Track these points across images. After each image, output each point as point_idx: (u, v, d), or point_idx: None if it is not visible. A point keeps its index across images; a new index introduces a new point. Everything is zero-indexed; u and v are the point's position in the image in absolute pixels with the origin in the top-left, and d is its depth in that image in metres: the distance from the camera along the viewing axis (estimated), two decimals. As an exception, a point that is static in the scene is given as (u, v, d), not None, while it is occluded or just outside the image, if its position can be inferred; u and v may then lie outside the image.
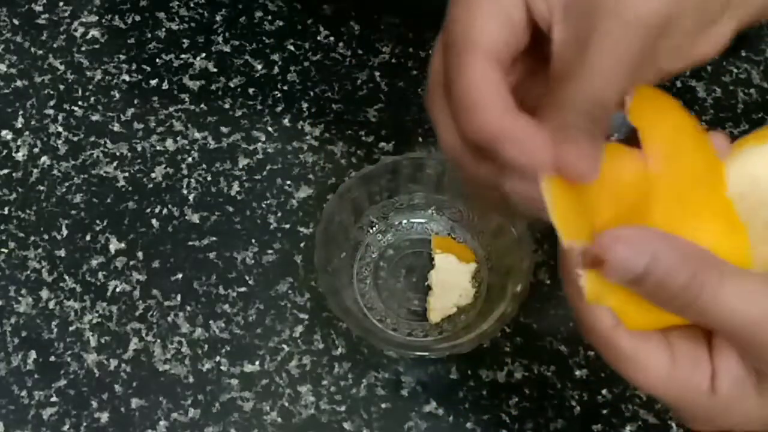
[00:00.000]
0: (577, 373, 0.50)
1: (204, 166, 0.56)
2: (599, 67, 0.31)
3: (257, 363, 0.50)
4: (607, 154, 0.32)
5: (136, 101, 0.58)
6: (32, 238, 0.54)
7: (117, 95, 0.58)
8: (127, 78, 0.59)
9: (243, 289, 0.52)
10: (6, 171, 0.56)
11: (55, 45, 0.60)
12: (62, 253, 0.53)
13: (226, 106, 0.58)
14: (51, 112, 0.58)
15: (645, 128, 0.34)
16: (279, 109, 0.58)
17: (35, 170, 0.56)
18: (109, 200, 0.55)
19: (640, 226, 0.32)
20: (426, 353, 0.49)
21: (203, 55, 0.59)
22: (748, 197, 0.34)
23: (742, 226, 0.34)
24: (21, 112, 0.58)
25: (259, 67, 0.59)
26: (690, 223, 0.33)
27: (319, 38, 0.60)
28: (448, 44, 0.34)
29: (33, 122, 0.57)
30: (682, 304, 0.31)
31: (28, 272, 0.53)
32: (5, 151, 0.57)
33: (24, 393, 0.50)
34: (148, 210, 0.55)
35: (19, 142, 0.57)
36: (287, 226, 0.54)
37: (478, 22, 0.33)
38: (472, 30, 0.33)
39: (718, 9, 0.34)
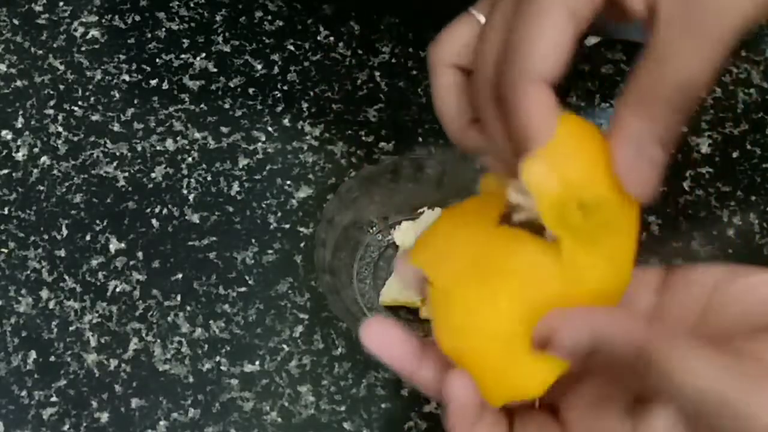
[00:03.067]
0: (577, 373, 0.50)
1: (204, 166, 0.56)
2: (705, 46, 0.32)
3: (257, 363, 0.50)
4: None
5: (136, 101, 0.58)
6: (32, 238, 0.54)
7: (117, 95, 0.58)
8: (127, 78, 0.59)
9: (243, 289, 0.52)
10: (6, 171, 0.56)
11: (55, 45, 0.60)
12: (62, 253, 0.53)
13: (226, 106, 0.58)
14: (51, 112, 0.58)
15: None
16: (279, 109, 0.58)
17: (35, 170, 0.56)
18: (109, 200, 0.55)
19: (581, 308, 0.32)
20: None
21: (203, 55, 0.60)
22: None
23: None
24: (21, 112, 0.58)
25: (259, 67, 0.59)
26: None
27: (319, 38, 0.60)
28: (508, 59, 0.34)
29: (33, 122, 0.57)
30: (636, 372, 0.30)
31: (28, 272, 0.53)
32: (5, 151, 0.57)
33: (24, 393, 0.50)
34: (148, 210, 0.55)
35: (19, 142, 0.57)
36: (287, 226, 0.54)
37: (543, 43, 0.33)
38: (533, 54, 0.33)
39: None
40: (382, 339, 0.34)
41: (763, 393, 0.28)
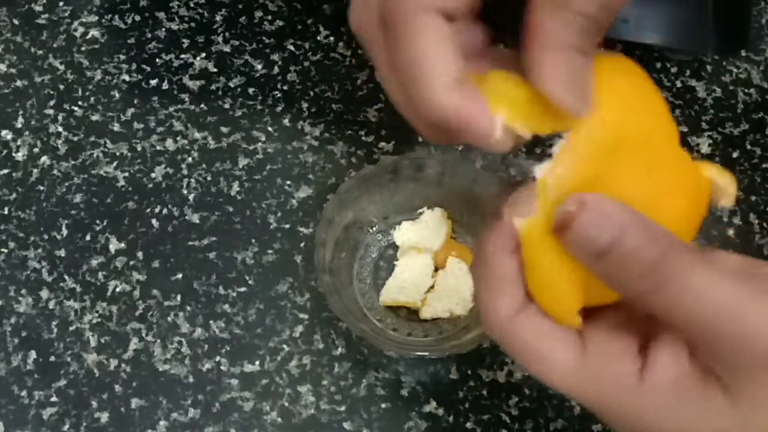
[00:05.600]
0: (577, 373, 0.50)
1: (204, 166, 0.56)
2: None
3: (257, 363, 0.50)
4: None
5: (136, 101, 0.58)
6: (32, 238, 0.54)
7: (117, 95, 0.58)
8: (127, 78, 0.59)
9: (243, 289, 0.52)
10: (6, 171, 0.56)
11: (55, 45, 0.60)
12: (62, 253, 0.53)
13: (226, 106, 0.58)
14: (51, 112, 0.58)
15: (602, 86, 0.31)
16: (279, 109, 0.58)
17: (35, 170, 0.56)
18: (109, 200, 0.55)
19: (605, 197, 0.29)
20: (426, 353, 0.49)
21: (203, 55, 0.60)
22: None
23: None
24: (21, 112, 0.58)
25: (259, 67, 0.59)
26: (657, 190, 0.31)
27: (319, 38, 0.60)
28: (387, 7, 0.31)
29: (33, 122, 0.57)
30: (645, 288, 0.28)
31: (28, 272, 0.53)
32: (5, 151, 0.57)
33: (24, 393, 0.50)
34: (148, 210, 0.55)
35: (19, 142, 0.57)
36: (287, 226, 0.54)
37: None
38: None
39: None
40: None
41: None
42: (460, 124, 0.30)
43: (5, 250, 0.54)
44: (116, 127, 0.57)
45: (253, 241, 0.54)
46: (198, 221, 0.54)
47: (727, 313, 0.28)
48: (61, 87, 0.59)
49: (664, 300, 0.28)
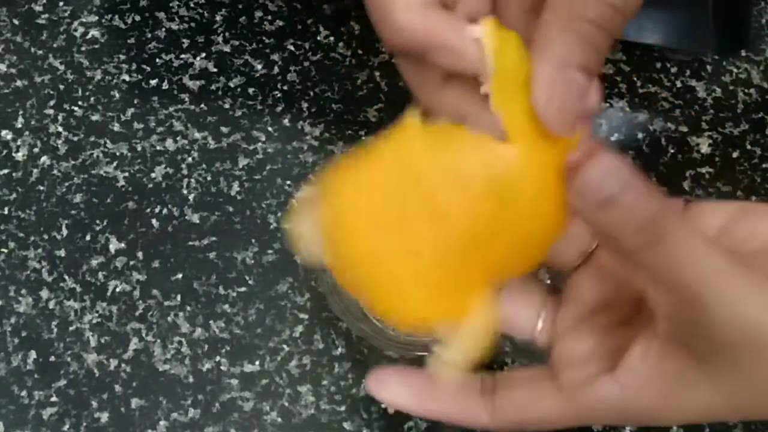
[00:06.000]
0: (577, 373, 0.50)
1: (204, 166, 0.56)
2: None
3: (257, 363, 0.50)
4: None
5: (136, 101, 0.58)
6: (32, 238, 0.54)
7: (117, 95, 0.58)
8: (127, 78, 0.59)
9: (243, 289, 0.52)
10: (6, 171, 0.56)
11: (55, 45, 0.60)
12: (62, 253, 0.53)
13: (226, 106, 0.58)
14: (51, 112, 0.58)
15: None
16: (279, 109, 0.58)
17: (35, 170, 0.56)
18: (109, 200, 0.55)
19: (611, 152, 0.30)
20: (426, 353, 0.49)
21: (203, 55, 0.59)
22: None
23: None
24: (21, 112, 0.58)
25: (259, 67, 0.59)
26: None
27: (319, 38, 0.60)
28: None
29: (33, 122, 0.57)
30: (642, 242, 0.28)
31: (28, 272, 0.53)
32: (5, 151, 0.57)
33: (24, 393, 0.50)
34: (148, 210, 0.55)
35: (19, 142, 0.57)
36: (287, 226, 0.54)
37: None
38: None
39: None
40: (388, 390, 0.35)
41: (760, 295, 0.28)
42: (426, 44, 0.30)
43: (5, 250, 0.54)
44: (116, 127, 0.57)
45: (253, 241, 0.54)
46: (198, 221, 0.54)
47: (721, 276, 0.29)
48: (61, 87, 0.59)
49: (659, 256, 0.29)
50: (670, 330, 0.30)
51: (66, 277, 0.53)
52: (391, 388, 0.36)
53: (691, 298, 0.29)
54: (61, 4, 0.61)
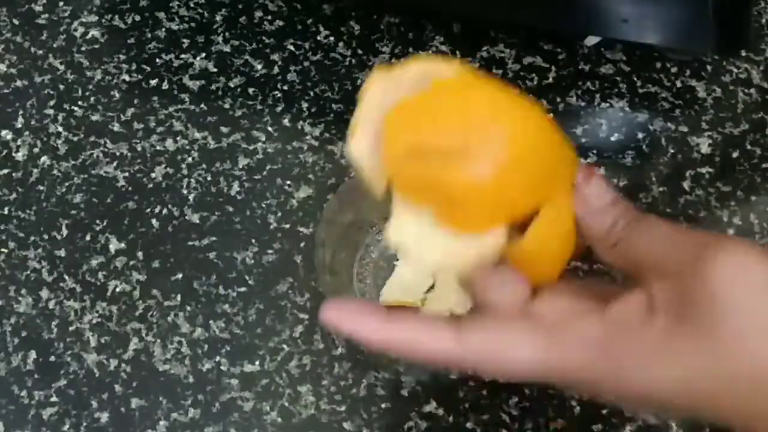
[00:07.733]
0: (577, 373, 0.50)
1: (204, 166, 0.56)
2: None
3: (257, 363, 0.50)
4: None
5: (136, 101, 0.58)
6: (32, 238, 0.54)
7: (117, 95, 0.58)
8: (127, 78, 0.59)
9: (243, 289, 0.52)
10: (6, 171, 0.56)
11: (55, 45, 0.60)
12: (62, 253, 0.53)
13: (226, 106, 0.58)
14: (51, 112, 0.58)
15: None
16: (279, 109, 0.58)
17: (35, 170, 0.56)
18: (109, 200, 0.55)
19: None
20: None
21: (203, 55, 0.60)
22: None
23: None
24: (21, 112, 0.58)
25: (259, 67, 0.59)
26: None
27: (319, 38, 0.60)
28: None
29: (33, 122, 0.57)
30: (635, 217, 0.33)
31: (28, 272, 0.53)
32: (5, 151, 0.57)
33: (24, 393, 0.50)
34: (148, 210, 0.55)
35: (19, 142, 0.57)
36: (287, 226, 0.54)
37: None
38: None
39: None
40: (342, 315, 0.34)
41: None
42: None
43: (5, 250, 0.54)
44: (116, 127, 0.57)
45: (253, 241, 0.54)
46: (198, 221, 0.54)
47: (715, 245, 0.31)
48: (61, 87, 0.59)
49: (646, 228, 0.33)
50: (659, 290, 0.31)
51: (66, 277, 0.53)
52: (351, 317, 0.34)
53: (688, 259, 0.31)
54: (61, 4, 0.61)
